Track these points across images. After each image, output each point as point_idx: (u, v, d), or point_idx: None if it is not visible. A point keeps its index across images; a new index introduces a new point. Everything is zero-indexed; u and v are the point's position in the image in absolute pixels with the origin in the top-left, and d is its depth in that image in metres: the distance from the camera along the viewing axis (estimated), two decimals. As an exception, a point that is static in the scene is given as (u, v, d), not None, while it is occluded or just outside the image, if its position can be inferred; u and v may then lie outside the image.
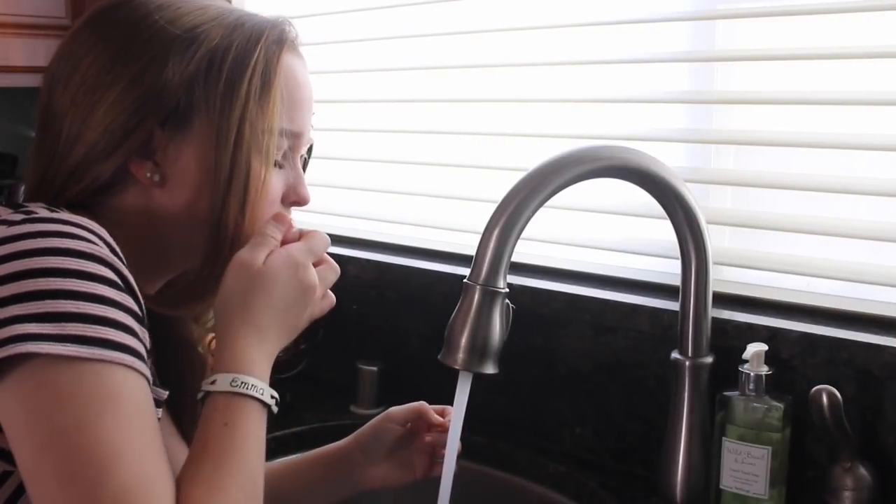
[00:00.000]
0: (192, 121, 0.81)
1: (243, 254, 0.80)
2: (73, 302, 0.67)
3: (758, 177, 1.18)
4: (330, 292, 0.85)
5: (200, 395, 0.77)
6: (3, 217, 0.73)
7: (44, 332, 0.65)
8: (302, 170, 0.89)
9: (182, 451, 0.96)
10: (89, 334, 0.67)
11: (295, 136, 0.86)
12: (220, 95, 0.80)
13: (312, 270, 0.82)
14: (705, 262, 1.05)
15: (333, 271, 0.85)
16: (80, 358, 0.66)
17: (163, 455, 0.69)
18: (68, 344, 0.66)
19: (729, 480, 1.04)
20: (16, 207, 0.76)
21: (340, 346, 1.47)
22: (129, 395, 0.68)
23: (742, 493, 1.03)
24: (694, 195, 1.03)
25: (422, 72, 1.51)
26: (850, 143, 1.11)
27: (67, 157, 0.81)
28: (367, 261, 1.47)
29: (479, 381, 0.94)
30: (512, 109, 1.41)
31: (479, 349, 0.92)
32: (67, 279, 0.67)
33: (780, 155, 1.17)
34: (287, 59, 0.84)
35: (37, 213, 0.73)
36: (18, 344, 0.65)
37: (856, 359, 1.02)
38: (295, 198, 0.88)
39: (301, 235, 0.84)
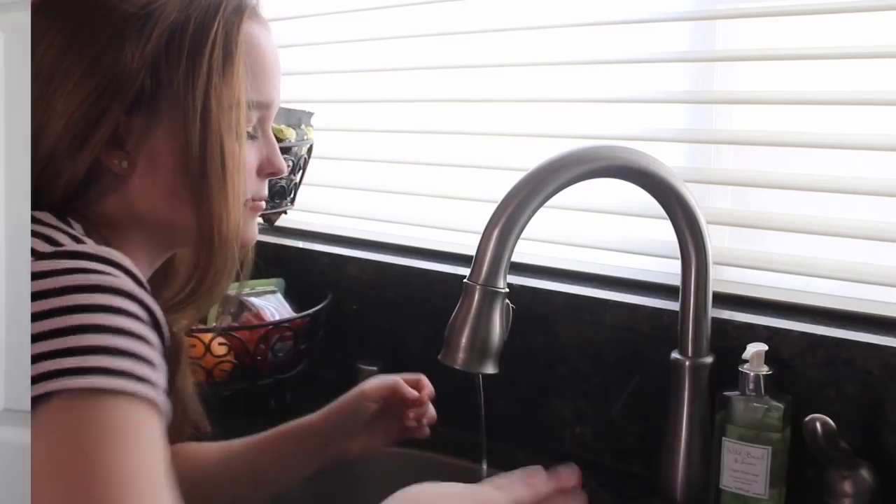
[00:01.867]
0: (159, 103, 0.77)
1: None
2: (98, 335, 0.65)
3: (758, 177, 1.18)
4: None
5: None
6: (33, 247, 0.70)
7: (66, 366, 0.63)
8: (275, 140, 0.86)
9: None
10: (112, 366, 0.64)
11: (263, 107, 0.84)
12: (181, 74, 0.77)
13: None
14: (705, 262, 1.05)
15: None
16: (101, 389, 0.63)
17: (172, 495, 0.66)
18: (90, 376, 0.63)
19: (729, 480, 1.04)
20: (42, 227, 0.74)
21: (340, 346, 1.47)
22: (147, 429, 0.65)
23: (742, 493, 1.03)
24: (694, 195, 1.03)
25: (422, 72, 1.51)
26: (850, 143, 1.11)
27: (34, 154, 0.77)
28: (367, 261, 1.46)
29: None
30: (512, 109, 1.41)
31: (479, 349, 0.92)
32: (94, 314, 0.65)
33: (780, 155, 1.17)
34: (248, 28, 0.81)
35: (64, 247, 0.70)
36: (44, 382, 0.63)
37: (856, 359, 1.02)
38: (271, 169, 0.85)
39: None
